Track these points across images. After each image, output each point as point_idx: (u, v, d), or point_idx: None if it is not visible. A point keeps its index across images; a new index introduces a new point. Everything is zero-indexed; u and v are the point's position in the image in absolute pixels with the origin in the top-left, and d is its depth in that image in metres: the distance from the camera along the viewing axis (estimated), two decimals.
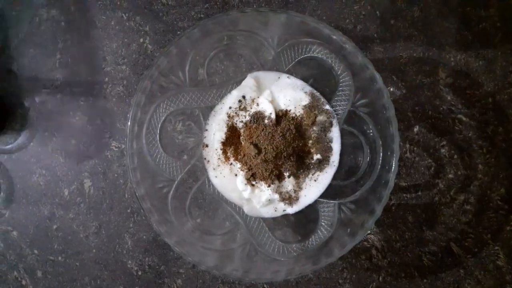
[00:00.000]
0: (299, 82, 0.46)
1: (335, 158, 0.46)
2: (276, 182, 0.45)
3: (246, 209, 0.45)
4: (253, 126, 0.44)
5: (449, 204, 0.49)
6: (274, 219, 0.46)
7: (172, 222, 0.43)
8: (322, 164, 0.45)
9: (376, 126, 0.43)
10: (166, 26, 0.53)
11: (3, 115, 0.56)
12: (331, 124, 0.46)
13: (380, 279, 0.50)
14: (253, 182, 0.45)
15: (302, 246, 0.44)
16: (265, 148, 0.43)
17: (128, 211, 0.54)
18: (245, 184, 0.45)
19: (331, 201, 0.45)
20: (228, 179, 0.46)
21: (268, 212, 0.45)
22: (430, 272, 0.49)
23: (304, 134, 0.46)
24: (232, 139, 0.46)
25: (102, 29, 0.54)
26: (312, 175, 0.45)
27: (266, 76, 0.46)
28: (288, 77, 0.46)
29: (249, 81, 0.46)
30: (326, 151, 0.45)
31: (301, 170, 0.45)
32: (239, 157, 0.45)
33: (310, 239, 0.44)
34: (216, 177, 0.46)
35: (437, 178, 0.49)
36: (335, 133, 0.46)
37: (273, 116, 0.45)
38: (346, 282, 0.50)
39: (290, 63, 0.47)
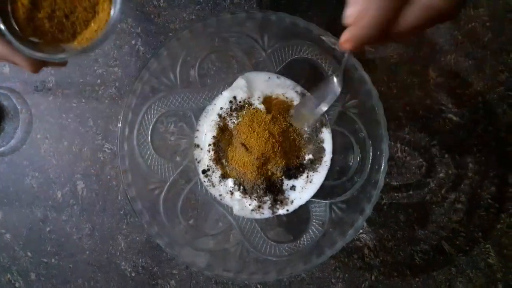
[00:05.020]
0: (289, 82, 0.47)
1: (327, 158, 0.46)
2: (268, 183, 0.45)
3: (236, 209, 0.45)
4: (244, 127, 0.44)
5: (440, 203, 0.49)
6: (266, 219, 0.47)
7: (164, 224, 0.44)
8: (314, 164, 0.46)
9: (365, 126, 0.43)
10: (158, 27, 0.53)
11: None
12: (322, 125, 0.46)
13: (373, 278, 0.50)
14: (244, 185, 0.45)
15: (293, 246, 0.45)
16: (256, 148, 0.43)
17: (121, 212, 0.54)
18: (237, 185, 0.45)
19: (323, 201, 0.45)
20: (220, 180, 0.46)
21: (260, 213, 0.45)
22: (422, 271, 0.50)
23: (295, 135, 0.46)
24: (223, 139, 0.46)
25: None
26: (307, 176, 0.45)
27: (257, 77, 0.47)
28: (278, 77, 0.47)
29: (240, 82, 0.46)
30: (318, 151, 0.46)
31: (294, 171, 0.45)
32: (230, 157, 0.45)
33: (302, 239, 0.45)
34: (207, 178, 0.47)
35: (428, 177, 0.50)
36: (326, 134, 0.46)
37: (264, 116, 0.45)
38: (339, 281, 0.50)
39: (281, 64, 0.47)
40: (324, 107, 0.40)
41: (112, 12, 0.32)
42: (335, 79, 0.37)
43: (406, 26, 0.25)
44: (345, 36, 0.28)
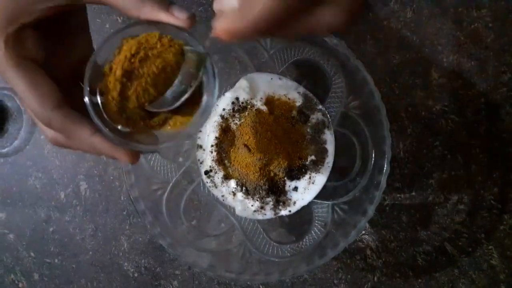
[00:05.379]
0: (291, 83, 0.47)
1: (329, 159, 0.46)
2: (271, 184, 0.45)
3: (238, 210, 0.45)
4: (247, 128, 0.45)
5: (443, 204, 0.49)
6: (268, 220, 0.47)
7: (167, 224, 0.44)
8: (316, 165, 0.46)
9: (368, 127, 0.43)
10: None
11: None
12: (324, 126, 0.46)
13: (375, 279, 0.50)
14: (247, 186, 0.45)
15: (296, 247, 0.45)
16: (258, 149, 0.43)
17: (124, 213, 0.54)
18: (239, 185, 0.45)
19: (325, 202, 0.45)
20: (222, 181, 0.46)
21: (262, 214, 0.46)
22: (424, 272, 0.49)
23: (298, 136, 0.46)
24: (225, 140, 0.46)
25: (97, 32, 0.54)
26: (309, 177, 0.45)
27: (259, 78, 0.47)
28: (280, 78, 0.47)
29: (242, 83, 0.46)
30: (321, 152, 0.46)
31: (296, 172, 0.46)
32: (233, 158, 0.45)
33: (304, 240, 0.45)
34: (210, 178, 0.47)
35: (430, 178, 0.50)
36: (328, 135, 0.46)
37: (266, 117, 0.45)
38: (341, 282, 0.50)
39: (284, 65, 0.47)
40: None
41: (204, 94, 0.29)
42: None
43: (303, 30, 0.22)
44: (226, 25, 0.22)
